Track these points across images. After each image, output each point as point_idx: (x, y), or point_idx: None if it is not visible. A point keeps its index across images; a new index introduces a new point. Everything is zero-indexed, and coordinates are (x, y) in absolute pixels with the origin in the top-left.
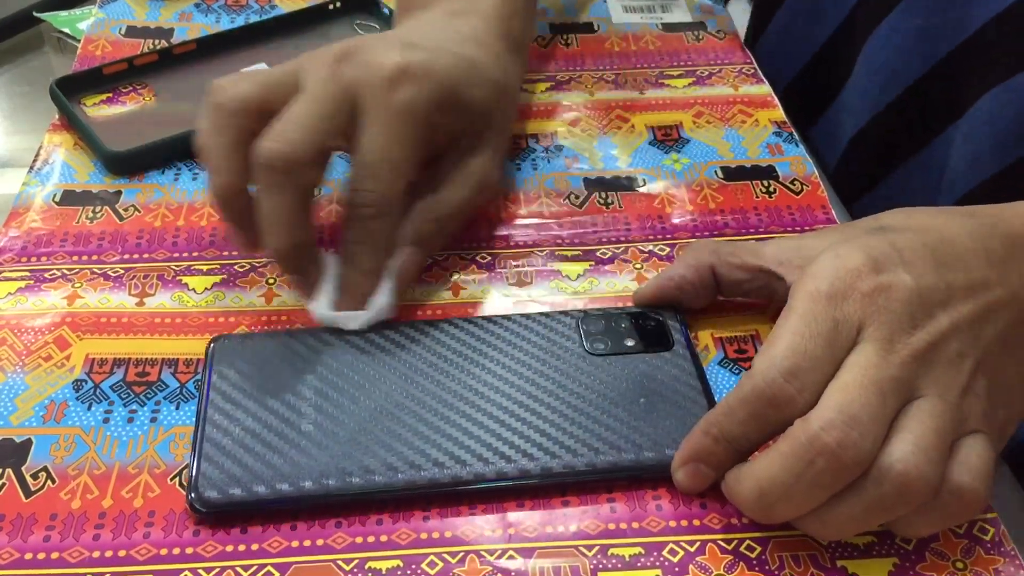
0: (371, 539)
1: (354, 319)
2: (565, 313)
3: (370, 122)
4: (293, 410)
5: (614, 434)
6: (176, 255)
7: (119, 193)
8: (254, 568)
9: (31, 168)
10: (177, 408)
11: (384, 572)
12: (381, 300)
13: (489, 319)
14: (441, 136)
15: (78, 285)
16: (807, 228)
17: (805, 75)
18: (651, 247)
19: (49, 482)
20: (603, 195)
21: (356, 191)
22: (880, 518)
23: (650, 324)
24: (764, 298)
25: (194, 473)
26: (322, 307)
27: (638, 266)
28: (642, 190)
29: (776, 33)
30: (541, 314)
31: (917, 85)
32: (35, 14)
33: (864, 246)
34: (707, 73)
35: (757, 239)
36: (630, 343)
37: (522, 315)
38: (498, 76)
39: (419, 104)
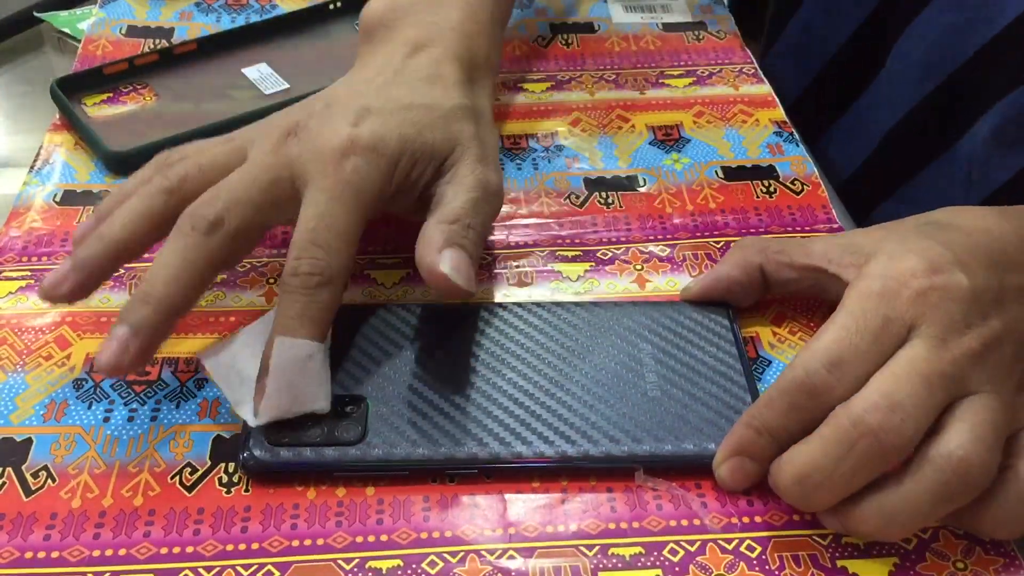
0: (371, 539)
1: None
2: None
3: (315, 191)
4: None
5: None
6: None
7: None
8: (254, 568)
9: (31, 168)
10: (177, 407)
11: (384, 572)
12: (315, 391)
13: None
14: (414, 188)
15: None
16: (807, 228)
17: (821, 81)
18: (652, 247)
19: (49, 481)
20: (603, 195)
21: (299, 259)
22: (942, 508)
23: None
24: (814, 296)
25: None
26: (246, 410)
27: (638, 267)
28: (642, 190)
29: (789, 44)
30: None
31: (948, 82)
32: (35, 14)
33: (919, 248)
34: (707, 73)
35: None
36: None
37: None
38: (453, 104)
39: (369, 174)
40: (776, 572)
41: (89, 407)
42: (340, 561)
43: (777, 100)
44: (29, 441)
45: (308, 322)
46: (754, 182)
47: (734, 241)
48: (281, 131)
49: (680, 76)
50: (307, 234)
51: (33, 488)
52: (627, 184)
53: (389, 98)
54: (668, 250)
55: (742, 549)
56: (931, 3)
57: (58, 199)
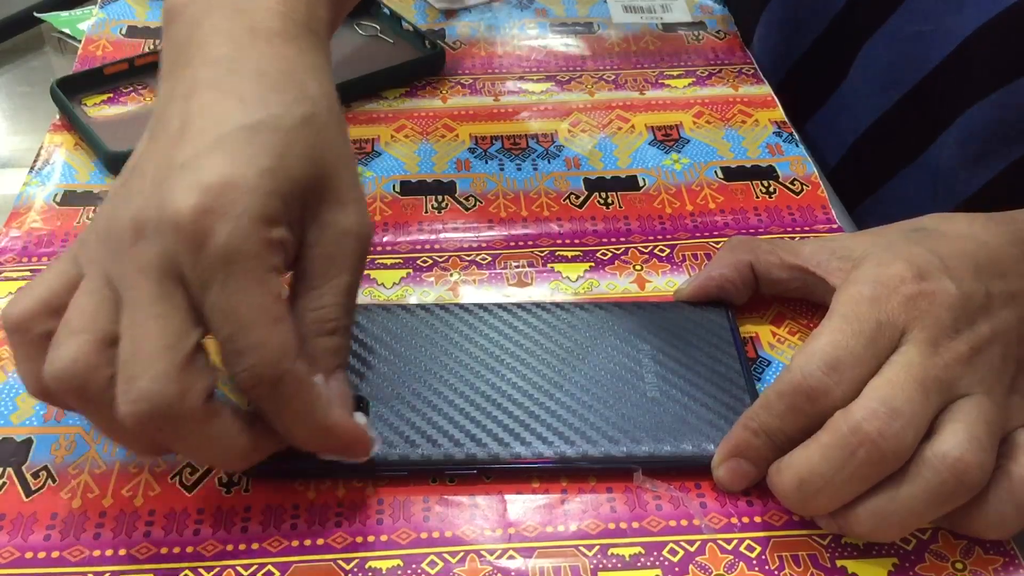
0: (371, 539)
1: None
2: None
3: (206, 291)
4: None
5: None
6: None
7: None
8: (254, 568)
9: (32, 168)
10: None
11: (384, 572)
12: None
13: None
14: (291, 229)
15: None
16: (807, 228)
17: (790, 80)
18: (651, 247)
19: (50, 481)
20: (603, 195)
21: (239, 374)
22: (938, 509)
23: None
24: (802, 297)
25: None
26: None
27: (638, 267)
28: (642, 190)
29: (758, 41)
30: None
31: (914, 91)
32: (35, 14)
33: (906, 254)
34: (707, 73)
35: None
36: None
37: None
38: (306, 109)
39: (245, 235)
40: (776, 572)
41: None
42: (340, 561)
43: (777, 100)
44: (29, 441)
45: (299, 416)
46: (754, 182)
47: (770, 240)
48: (125, 239)
49: (680, 76)
50: (225, 344)
51: (33, 488)
52: (627, 184)
53: (222, 120)
54: (668, 250)
55: (742, 549)
56: (894, 13)
57: (58, 200)
